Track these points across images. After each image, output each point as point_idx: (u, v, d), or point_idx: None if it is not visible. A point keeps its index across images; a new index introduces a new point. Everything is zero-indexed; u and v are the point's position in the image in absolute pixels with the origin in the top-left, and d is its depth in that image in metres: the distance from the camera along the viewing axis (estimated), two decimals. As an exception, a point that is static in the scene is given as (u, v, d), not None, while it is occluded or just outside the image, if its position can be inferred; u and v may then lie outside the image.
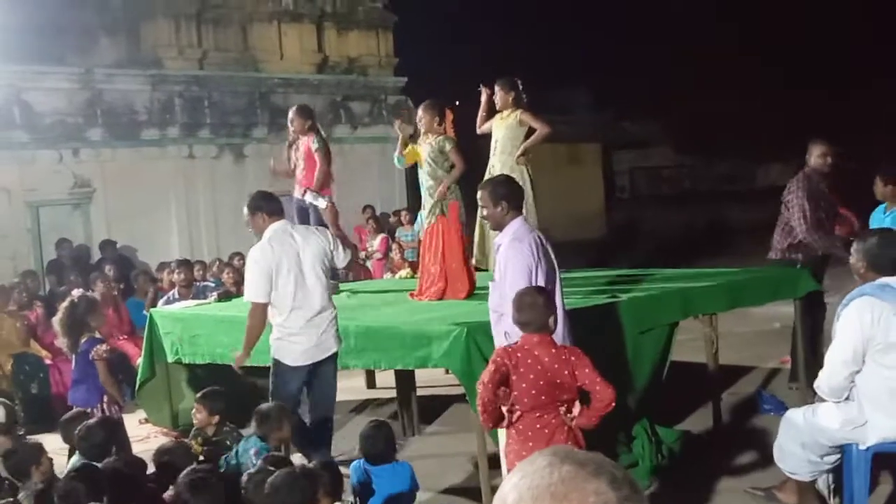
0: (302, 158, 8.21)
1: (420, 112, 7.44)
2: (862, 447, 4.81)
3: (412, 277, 9.08)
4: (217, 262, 11.87)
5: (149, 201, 14.18)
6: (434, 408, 8.08)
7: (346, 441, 7.20)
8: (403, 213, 14.59)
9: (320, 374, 6.14)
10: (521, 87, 7.59)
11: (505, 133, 7.52)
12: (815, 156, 7.76)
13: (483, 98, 7.78)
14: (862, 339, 4.65)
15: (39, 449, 5.19)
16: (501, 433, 4.61)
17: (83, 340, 6.70)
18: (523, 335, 4.33)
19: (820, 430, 4.91)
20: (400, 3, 18.40)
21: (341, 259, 6.34)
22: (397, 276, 10.75)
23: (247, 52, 16.04)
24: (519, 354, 4.24)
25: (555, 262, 5.05)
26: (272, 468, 4.50)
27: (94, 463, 4.94)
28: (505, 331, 4.83)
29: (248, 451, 5.27)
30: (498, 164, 7.49)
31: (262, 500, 4.28)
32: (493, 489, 3.97)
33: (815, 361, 6.38)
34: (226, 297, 8.65)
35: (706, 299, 7.13)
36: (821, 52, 32.95)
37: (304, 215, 8.09)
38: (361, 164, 16.10)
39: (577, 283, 7.36)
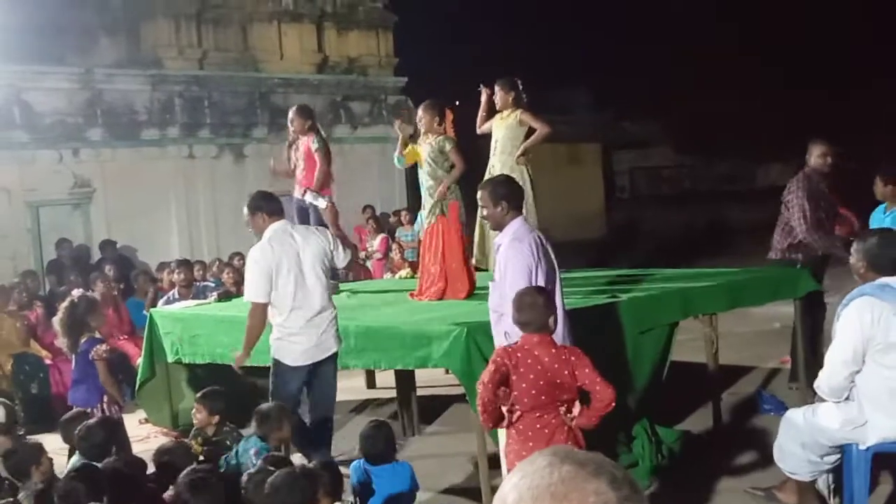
0: (302, 158, 8.22)
1: (420, 112, 7.44)
2: (862, 447, 4.81)
3: (412, 277, 9.08)
4: (217, 262, 11.88)
5: (149, 201, 14.19)
6: (434, 408, 8.08)
7: (346, 441, 7.20)
8: (403, 213, 14.59)
9: (320, 373, 6.14)
10: (521, 86, 7.58)
11: (505, 133, 7.52)
12: (815, 156, 7.76)
13: (483, 98, 7.78)
14: (862, 339, 4.65)
15: (39, 449, 5.19)
16: (501, 433, 4.61)
17: (83, 340, 6.70)
18: (523, 335, 4.33)
19: (820, 430, 4.91)
20: (400, 3, 18.42)
21: (341, 259, 6.35)
22: (397, 276, 10.75)
23: (247, 52, 16.04)
24: (519, 354, 4.24)
25: (555, 262, 5.05)
26: (272, 468, 4.50)
27: (94, 463, 4.94)
28: (505, 331, 4.83)
29: (248, 451, 5.27)
30: (498, 164, 7.49)
31: (262, 499, 4.28)
32: (493, 489, 3.97)
33: (815, 361, 6.38)
34: (226, 297, 8.65)
35: (706, 299, 7.13)
36: (821, 52, 32.95)
37: (305, 215, 8.09)
38: (361, 164, 16.11)
39: (578, 283, 7.35)
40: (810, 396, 5.58)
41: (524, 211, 6.84)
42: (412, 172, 8.51)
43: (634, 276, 7.90)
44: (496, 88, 7.59)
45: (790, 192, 7.78)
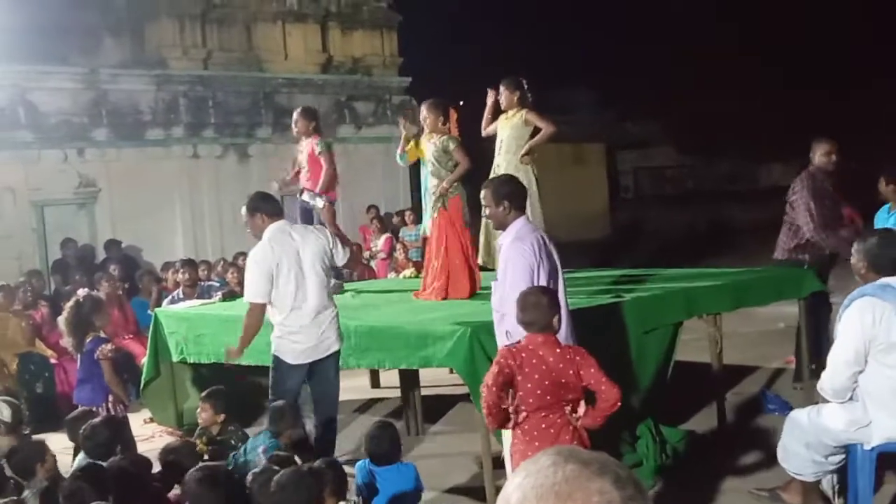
0: (305, 160, 8.23)
1: (424, 111, 7.43)
2: (866, 447, 4.80)
3: (416, 277, 9.08)
4: (221, 262, 11.89)
5: (153, 201, 14.21)
6: (438, 407, 8.09)
7: (350, 441, 7.21)
8: (407, 212, 14.59)
9: (320, 371, 6.14)
10: (525, 86, 7.57)
11: (510, 133, 7.50)
12: (819, 154, 7.74)
13: (489, 101, 7.76)
14: (864, 339, 4.65)
15: (43, 446, 5.20)
16: (506, 433, 4.60)
17: (88, 340, 6.72)
18: (527, 335, 4.32)
19: (824, 430, 4.90)
20: (404, 3, 18.42)
21: (340, 257, 6.35)
22: (401, 275, 10.75)
23: (251, 52, 16.06)
24: (523, 355, 4.22)
25: (557, 261, 5.03)
26: (277, 468, 4.51)
27: (100, 462, 4.95)
28: (507, 330, 4.82)
29: (257, 449, 5.28)
30: (503, 163, 7.47)
31: (269, 498, 4.28)
32: (498, 489, 3.97)
33: (820, 362, 6.37)
34: (230, 296, 8.65)
35: (710, 299, 7.12)
36: (821, 53, 32.91)
37: (309, 216, 8.11)
38: (366, 164, 16.11)
39: (581, 282, 7.35)
40: (815, 396, 5.57)
41: (529, 210, 6.86)
42: (416, 172, 8.51)
43: (638, 276, 7.90)
44: (501, 88, 7.57)
45: (794, 191, 7.76)
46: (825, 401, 4.97)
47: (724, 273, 8.09)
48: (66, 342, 7.15)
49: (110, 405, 6.65)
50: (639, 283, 7.45)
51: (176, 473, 4.81)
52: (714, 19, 35.83)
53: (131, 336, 9.94)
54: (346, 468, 5.04)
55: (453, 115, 7.49)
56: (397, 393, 8.18)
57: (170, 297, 9.73)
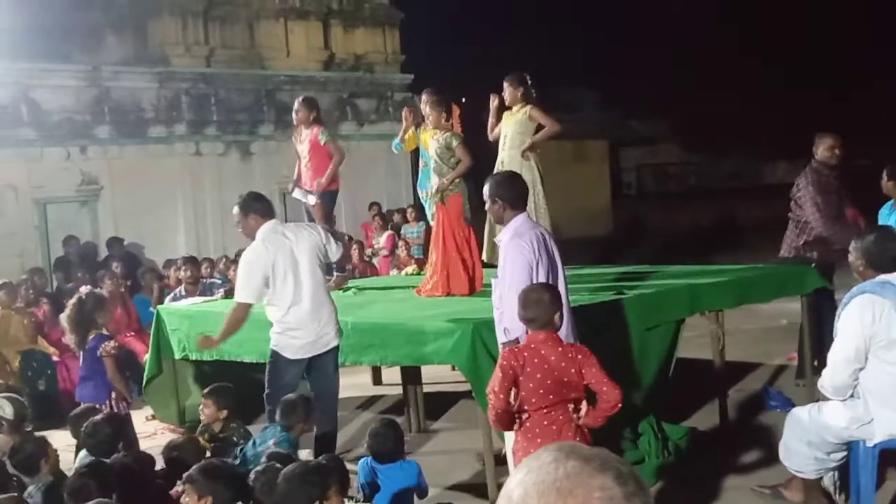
0: (307, 151, 8.23)
1: (426, 109, 7.43)
2: (869, 444, 4.80)
3: (418, 274, 9.09)
4: (224, 259, 11.90)
5: (156, 198, 14.22)
6: (440, 404, 8.09)
7: (352, 438, 7.22)
8: (409, 209, 14.60)
9: (319, 366, 6.15)
10: (529, 82, 7.55)
11: (514, 128, 7.48)
12: (823, 149, 7.70)
13: (492, 105, 7.72)
14: (864, 336, 4.64)
15: (45, 442, 5.20)
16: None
17: (91, 337, 6.73)
18: (529, 333, 4.32)
19: (826, 427, 4.90)
20: (406, 0, 18.41)
21: (334, 252, 6.36)
22: (403, 272, 10.76)
23: (253, 49, 16.06)
24: (525, 354, 4.21)
25: (558, 258, 5.01)
26: (279, 465, 4.51)
27: (104, 459, 4.95)
28: (505, 327, 4.82)
29: (267, 441, 5.29)
30: (507, 159, 7.45)
31: (276, 494, 4.27)
32: (500, 486, 3.97)
33: (822, 359, 6.36)
34: (232, 294, 8.65)
35: (713, 296, 7.11)
36: (822, 54, 32.90)
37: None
38: (368, 162, 16.10)
39: (584, 279, 7.35)
40: (817, 393, 5.56)
41: (532, 206, 6.86)
42: (418, 170, 8.51)
43: (640, 273, 7.90)
44: (505, 84, 7.53)
45: (799, 188, 7.72)
46: (826, 398, 4.97)
47: (726, 270, 8.08)
48: (69, 339, 7.17)
49: (113, 402, 6.66)
50: (641, 280, 7.44)
51: (179, 470, 4.80)
52: (714, 21, 35.85)
53: (133, 333, 9.95)
54: (348, 465, 5.05)
55: (456, 111, 7.49)
56: (399, 390, 8.19)
57: (172, 294, 9.74)
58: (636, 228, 24.43)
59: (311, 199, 8.08)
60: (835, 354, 4.79)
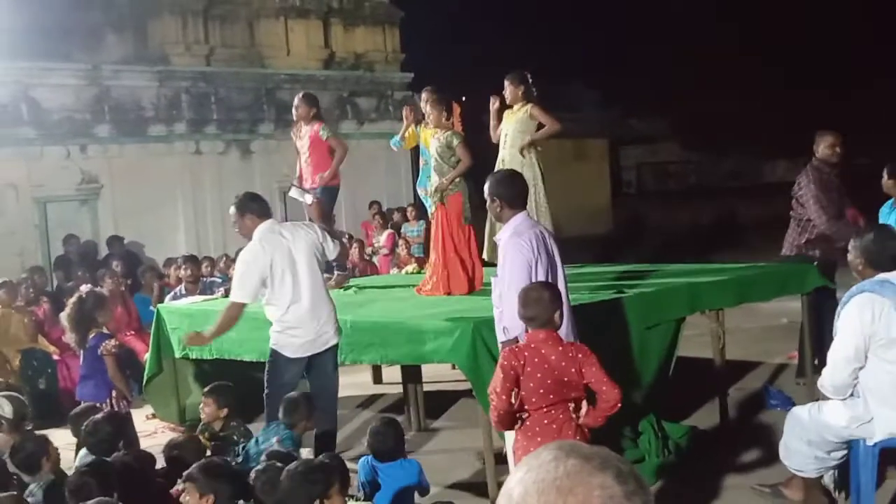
0: (307, 147, 8.23)
1: (427, 107, 7.43)
2: (869, 443, 4.80)
3: (419, 273, 9.09)
4: (224, 258, 11.90)
5: (156, 197, 14.22)
6: (440, 403, 8.09)
7: (351, 437, 7.22)
8: (409, 208, 14.60)
9: (319, 365, 6.15)
10: (530, 80, 7.54)
11: (515, 126, 7.47)
12: (824, 146, 7.70)
13: (493, 108, 7.70)
14: (863, 335, 4.64)
15: (47, 440, 5.20)
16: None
17: (91, 336, 6.73)
18: (529, 332, 4.32)
19: (826, 426, 4.90)
20: (405, -1, 18.40)
21: (331, 250, 6.36)
22: (404, 271, 10.76)
23: (253, 48, 16.05)
24: (526, 353, 4.21)
25: (557, 257, 5.00)
26: (280, 464, 4.51)
27: (105, 458, 4.95)
28: (504, 326, 4.82)
29: (271, 439, 5.29)
30: (508, 157, 7.45)
31: (281, 488, 4.28)
32: (500, 485, 3.97)
33: (823, 358, 6.36)
34: (233, 292, 8.65)
35: (713, 294, 7.11)
36: (822, 52, 32.90)
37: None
38: (368, 160, 16.09)
39: (584, 278, 7.35)
40: (818, 392, 5.56)
41: (533, 205, 6.86)
42: (418, 169, 8.51)
43: (641, 272, 7.89)
44: (506, 83, 7.52)
45: (801, 186, 7.72)
46: (826, 398, 4.97)
47: (726, 268, 8.07)
48: (69, 338, 7.17)
49: (113, 401, 6.66)
50: (641, 279, 7.44)
51: (180, 469, 4.80)
52: (714, 19, 35.85)
53: (134, 332, 9.95)
54: (348, 464, 5.05)
55: (457, 110, 7.49)
56: (399, 389, 8.19)
57: (172, 293, 9.74)
58: (636, 227, 24.43)
59: (308, 199, 8.07)
60: (834, 353, 4.79)
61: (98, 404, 6.41)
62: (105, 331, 6.87)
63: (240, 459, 5.36)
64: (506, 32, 34.39)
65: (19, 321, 9.45)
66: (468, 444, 6.65)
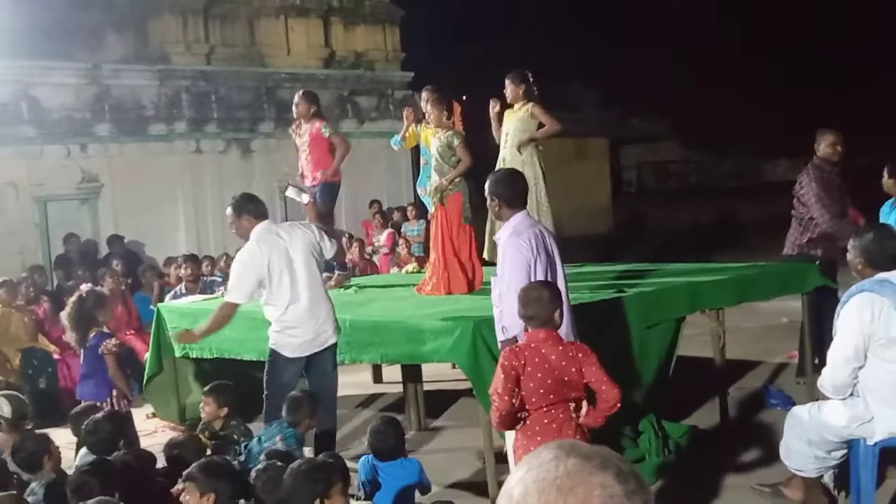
0: (307, 144, 8.22)
1: (427, 107, 7.42)
2: (869, 442, 4.80)
3: (419, 272, 9.09)
4: (224, 257, 11.89)
5: (156, 196, 14.22)
6: (441, 402, 8.09)
7: (352, 436, 7.22)
8: (409, 207, 14.60)
9: (318, 364, 6.15)
10: (531, 79, 7.54)
11: (516, 125, 7.47)
12: (825, 145, 7.69)
13: (493, 111, 7.69)
14: (863, 335, 4.64)
15: (47, 439, 5.21)
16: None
17: (91, 335, 6.73)
18: (529, 331, 4.31)
19: (826, 426, 4.90)
20: (406, -2, 18.39)
21: (328, 249, 6.36)
22: (404, 270, 10.76)
23: (254, 47, 16.05)
24: (526, 353, 4.20)
25: (557, 256, 5.00)
26: (280, 463, 4.51)
27: (105, 457, 4.95)
28: (504, 325, 4.82)
29: (273, 438, 5.29)
30: (509, 156, 7.45)
31: (283, 486, 4.28)
32: (500, 484, 3.97)
33: (823, 357, 6.36)
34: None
35: (713, 294, 7.11)
36: (822, 52, 32.88)
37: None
38: (368, 159, 16.09)
39: (584, 277, 7.35)
40: (818, 391, 5.56)
41: (535, 204, 6.86)
42: (419, 168, 8.51)
43: (641, 271, 7.89)
44: (507, 82, 7.52)
45: (802, 185, 7.71)
46: (826, 397, 4.96)
47: (727, 268, 8.07)
48: (70, 337, 7.16)
49: (114, 400, 6.66)
50: (641, 278, 7.44)
51: (180, 468, 4.80)
52: (714, 19, 35.84)
53: (134, 331, 9.95)
54: (348, 463, 5.05)
55: (457, 109, 7.48)
56: (399, 388, 8.19)
57: (172, 292, 9.74)
58: (637, 226, 24.42)
59: (305, 198, 8.07)
60: (834, 353, 4.79)
61: (98, 403, 6.40)
62: (105, 330, 6.86)
63: (242, 458, 5.36)
64: (506, 32, 34.38)
65: (19, 320, 9.45)
66: (468, 443, 6.65)
